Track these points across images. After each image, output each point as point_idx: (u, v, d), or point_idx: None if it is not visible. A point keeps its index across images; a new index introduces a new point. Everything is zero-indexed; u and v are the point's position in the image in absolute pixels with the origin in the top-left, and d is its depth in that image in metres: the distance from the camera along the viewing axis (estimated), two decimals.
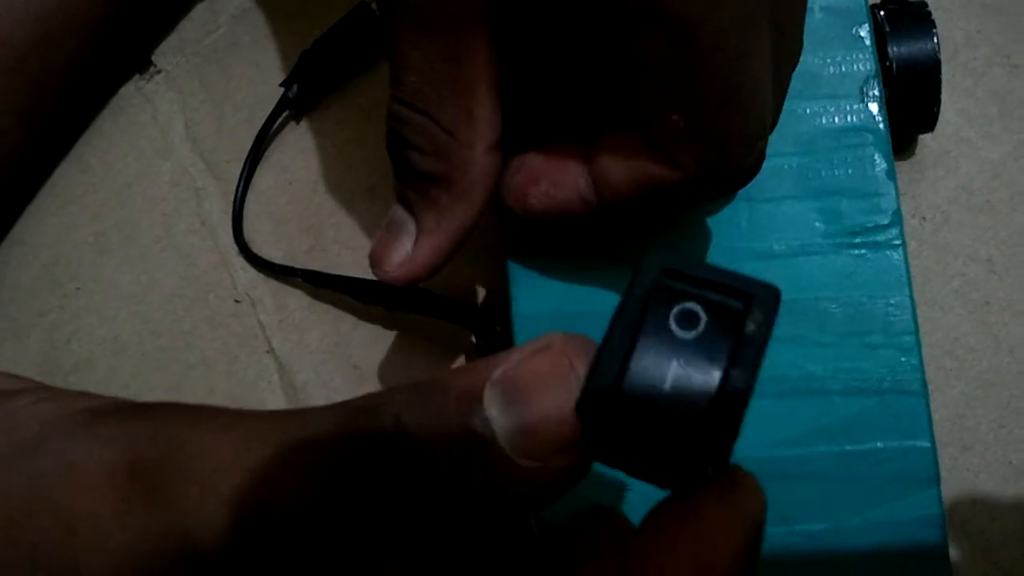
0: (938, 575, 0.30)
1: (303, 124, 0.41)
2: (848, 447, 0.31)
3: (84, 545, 0.20)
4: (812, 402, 0.31)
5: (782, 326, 0.32)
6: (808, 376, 0.31)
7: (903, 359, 0.31)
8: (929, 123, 0.35)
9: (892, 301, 0.31)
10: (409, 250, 0.29)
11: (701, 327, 0.18)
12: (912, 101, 0.35)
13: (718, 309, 0.18)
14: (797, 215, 0.32)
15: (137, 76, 0.43)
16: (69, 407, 0.23)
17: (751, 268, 0.32)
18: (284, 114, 0.41)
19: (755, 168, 0.27)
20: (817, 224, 0.32)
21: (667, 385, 0.18)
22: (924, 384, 0.31)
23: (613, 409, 0.18)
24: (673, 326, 0.18)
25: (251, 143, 0.40)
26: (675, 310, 0.18)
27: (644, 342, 0.18)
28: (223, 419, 0.21)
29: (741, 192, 0.31)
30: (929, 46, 0.34)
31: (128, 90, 0.43)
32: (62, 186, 0.41)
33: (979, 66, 0.38)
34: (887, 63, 0.34)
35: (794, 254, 0.32)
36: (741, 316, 0.18)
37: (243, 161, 0.40)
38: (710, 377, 0.18)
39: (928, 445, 0.31)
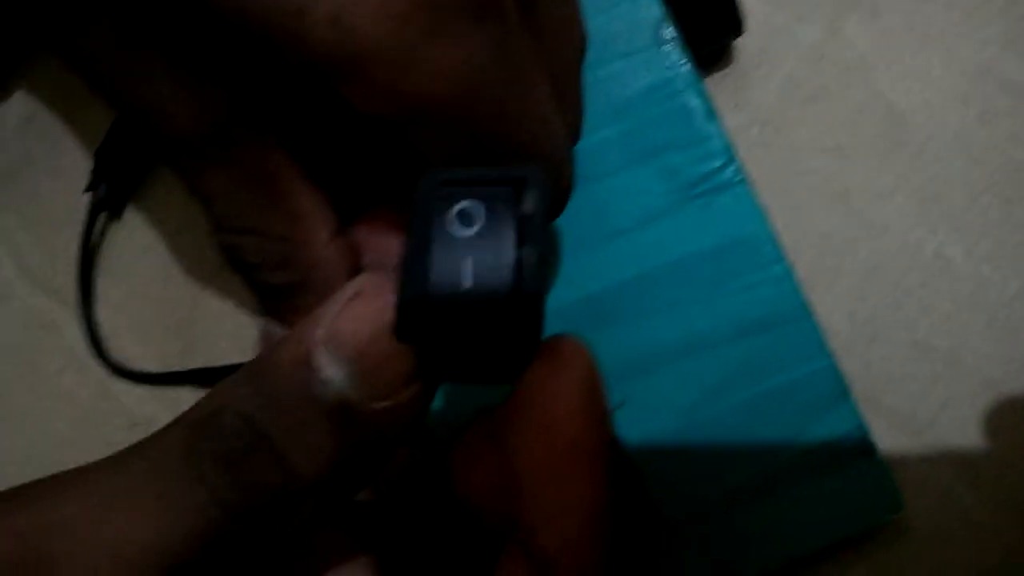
0: (874, 479, 0.31)
1: (129, 221, 0.39)
2: (754, 390, 0.31)
3: None
4: (706, 358, 0.31)
5: (657, 295, 0.32)
6: (695, 335, 0.31)
7: (778, 290, 0.31)
8: (736, 27, 0.34)
9: (750, 237, 0.31)
10: None
11: (482, 220, 0.19)
12: (711, 13, 0.33)
13: (493, 199, 0.19)
14: (634, 183, 0.31)
15: None
16: None
17: (606, 250, 0.31)
18: (102, 217, 0.39)
19: (567, 193, 0.26)
20: (656, 186, 0.31)
21: (469, 283, 0.18)
22: (806, 306, 0.31)
23: (427, 323, 0.19)
24: (456, 228, 0.19)
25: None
26: (453, 212, 0.19)
27: (436, 252, 0.19)
28: (80, 486, 0.21)
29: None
30: None
31: None
32: None
33: None
34: None
35: (644, 223, 0.31)
36: (517, 200, 0.19)
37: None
38: (504, 263, 0.19)
39: (827, 363, 0.31)
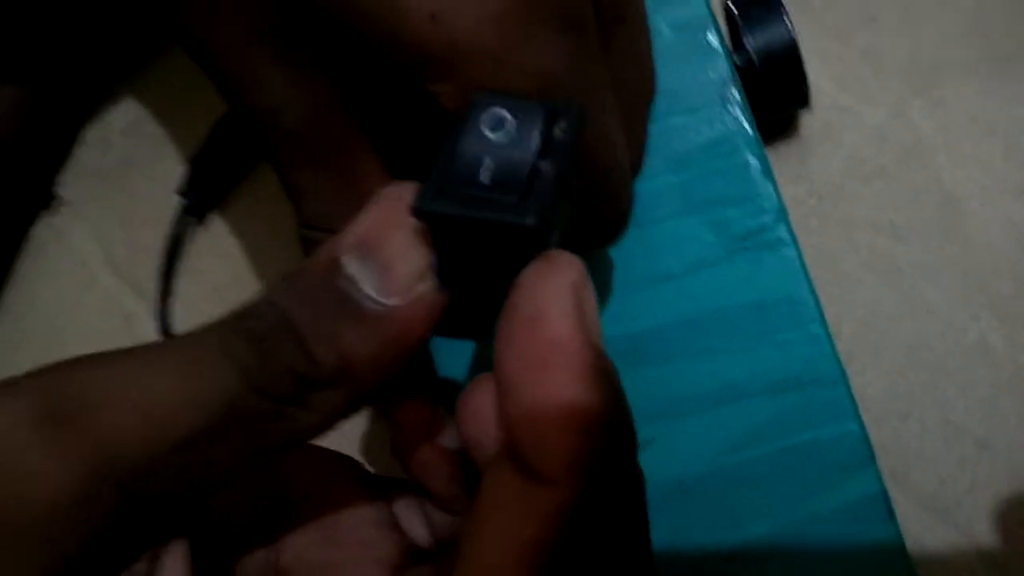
0: (890, 549, 0.31)
1: (213, 227, 0.42)
2: (780, 444, 0.31)
3: (12, 503, 0.19)
4: (738, 408, 0.32)
5: (696, 341, 0.33)
6: (729, 384, 0.32)
7: (815, 349, 0.31)
8: (803, 100, 0.35)
9: (792, 296, 0.32)
10: None
11: (511, 128, 0.20)
12: (780, 84, 0.35)
13: (525, 116, 0.21)
14: (686, 231, 0.32)
15: (44, 212, 0.43)
16: None
17: (653, 292, 0.32)
18: (190, 221, 0.41)
19: (625, 218, 0.27)
20: (707, 237, 0.32)
21: (486, 178, 0.20)
22: (841, 369, 0.31)
23: (441, 209, 0.20)
24: (486, 131, 0.20)
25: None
26: (485, 117, 0.20)
27: (463, 147, 0.20)
28: (119, 357, 0.21)
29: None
30: (781, 28, 0.34)
31: (39, 228, 0.43)
32: None
33: (843, 27, 0.38)
34: (748, 55, 0.34)
35: (692, 270, 0.32)
36: (549, 124, 0.21)
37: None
38: (521, 169, 0.20)
39: (856, 428, 0.31)
